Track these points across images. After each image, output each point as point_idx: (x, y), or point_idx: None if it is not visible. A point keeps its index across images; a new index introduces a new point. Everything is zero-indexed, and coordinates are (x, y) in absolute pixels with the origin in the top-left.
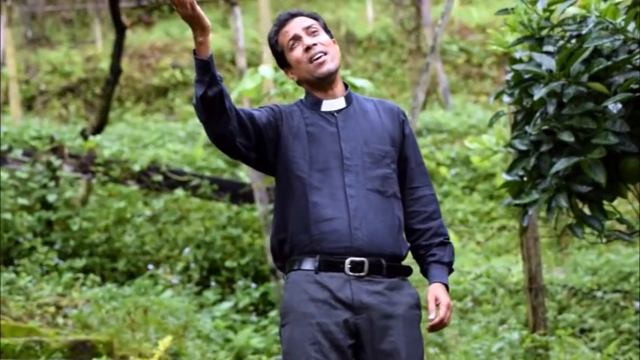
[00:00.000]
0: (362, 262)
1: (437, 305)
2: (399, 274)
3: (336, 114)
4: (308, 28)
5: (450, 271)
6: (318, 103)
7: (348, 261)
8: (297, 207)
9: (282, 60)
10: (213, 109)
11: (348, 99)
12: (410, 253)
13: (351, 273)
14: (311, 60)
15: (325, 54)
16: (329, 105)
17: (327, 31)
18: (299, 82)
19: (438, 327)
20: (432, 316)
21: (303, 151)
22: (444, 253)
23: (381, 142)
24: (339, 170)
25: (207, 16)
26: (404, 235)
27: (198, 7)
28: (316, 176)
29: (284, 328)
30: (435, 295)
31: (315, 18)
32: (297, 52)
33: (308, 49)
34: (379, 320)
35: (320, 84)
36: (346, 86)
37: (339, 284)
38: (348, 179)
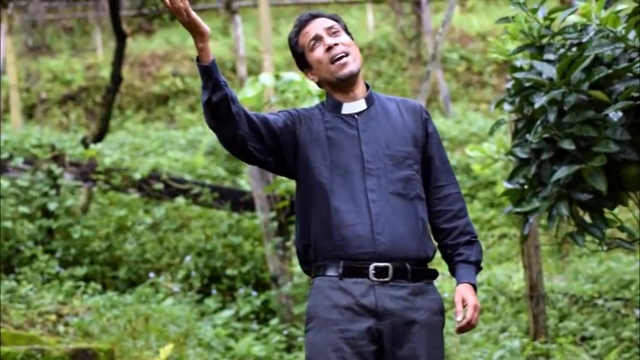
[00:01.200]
0: (386, 268)
1: (464, 306)
2: (425, 278)
3: (357, 116)
4: (329, 28)
5: (478, 269)
6: (339, 105)
7: (372, 267)
8: (319, 212)
9: (302, 61)
10: (220, 114)
11: (369, 100)
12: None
13: (375, 279)
14: (332, 60)
15: (347, 55)
16: (349, 107)
17: (348, 33)
18: (320, 84)
19: (465, 329)
20: (458, 318)
21: (323, 156)
22: (471, 252)
23: (402, 143)
24: (360, 174)
25: (207, 24)
26: (430, 236)
27: (194, 14)
28: (337, 181)
29: (307, 334)
30: (462, 296)
31: (336, 19)
32: (319, 53)
33: (329, 49)
34: (401, 326)
35: (341, 85)
36: (368, 86)
37: (363, 290)
38: (370, 183)
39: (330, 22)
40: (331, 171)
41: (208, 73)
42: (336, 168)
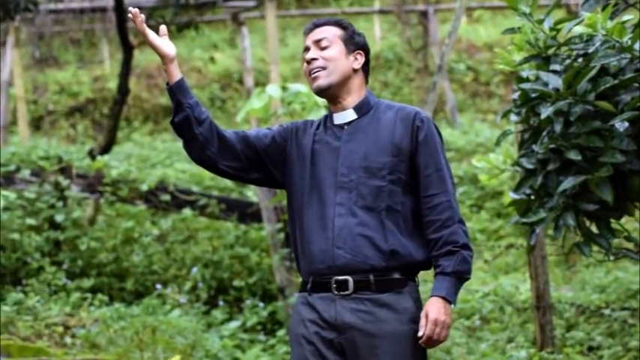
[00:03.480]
0: (346, 281)
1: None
2: (394, 288)
3: (345, 127)
4: (319, 41)
5: (460, 280)
6: (331, 117)
7: (333, 280)
8: (298, 229)
9: None
10: (184, 135)
11: (361, 109)
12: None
13: (337, 292)
14: (309, 74)
15: (323, 69)
16: (339, 118)
17: (352, 43)
18: None
19: (428, 344)
20: (420, 333)
21: (304, 171)
22: (450, 262)
23: (381, 153)
24: (332, 188)
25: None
26: (416, 244)
27: (151, 37)
28: (314, 196)
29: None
30: (426, 310)
31: (343, 26)
32: (304, 66)
33: (307, 63)
34: (363, 339)
35: (324, 97)
36: (366, 95)
37: (325, 305)
38: (340, 197)
39: (324, 34)
40: (310, 186)
41: (171, 94)
42: (315, 183)
